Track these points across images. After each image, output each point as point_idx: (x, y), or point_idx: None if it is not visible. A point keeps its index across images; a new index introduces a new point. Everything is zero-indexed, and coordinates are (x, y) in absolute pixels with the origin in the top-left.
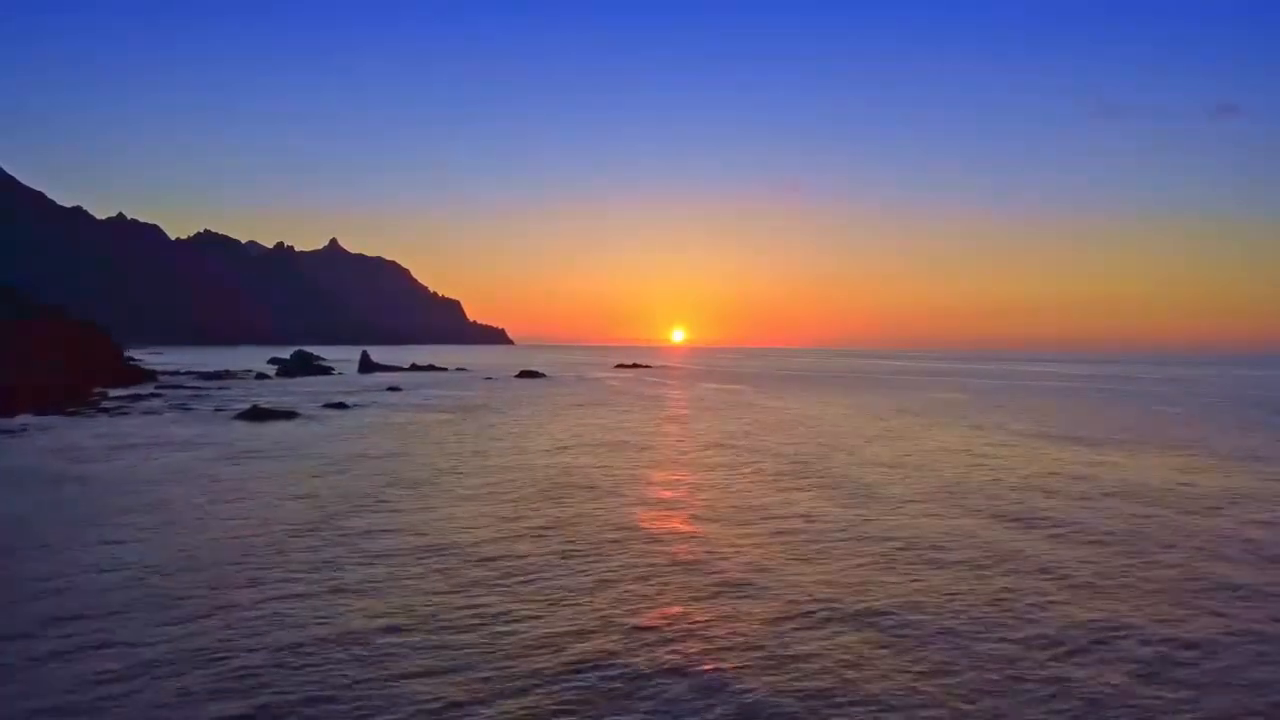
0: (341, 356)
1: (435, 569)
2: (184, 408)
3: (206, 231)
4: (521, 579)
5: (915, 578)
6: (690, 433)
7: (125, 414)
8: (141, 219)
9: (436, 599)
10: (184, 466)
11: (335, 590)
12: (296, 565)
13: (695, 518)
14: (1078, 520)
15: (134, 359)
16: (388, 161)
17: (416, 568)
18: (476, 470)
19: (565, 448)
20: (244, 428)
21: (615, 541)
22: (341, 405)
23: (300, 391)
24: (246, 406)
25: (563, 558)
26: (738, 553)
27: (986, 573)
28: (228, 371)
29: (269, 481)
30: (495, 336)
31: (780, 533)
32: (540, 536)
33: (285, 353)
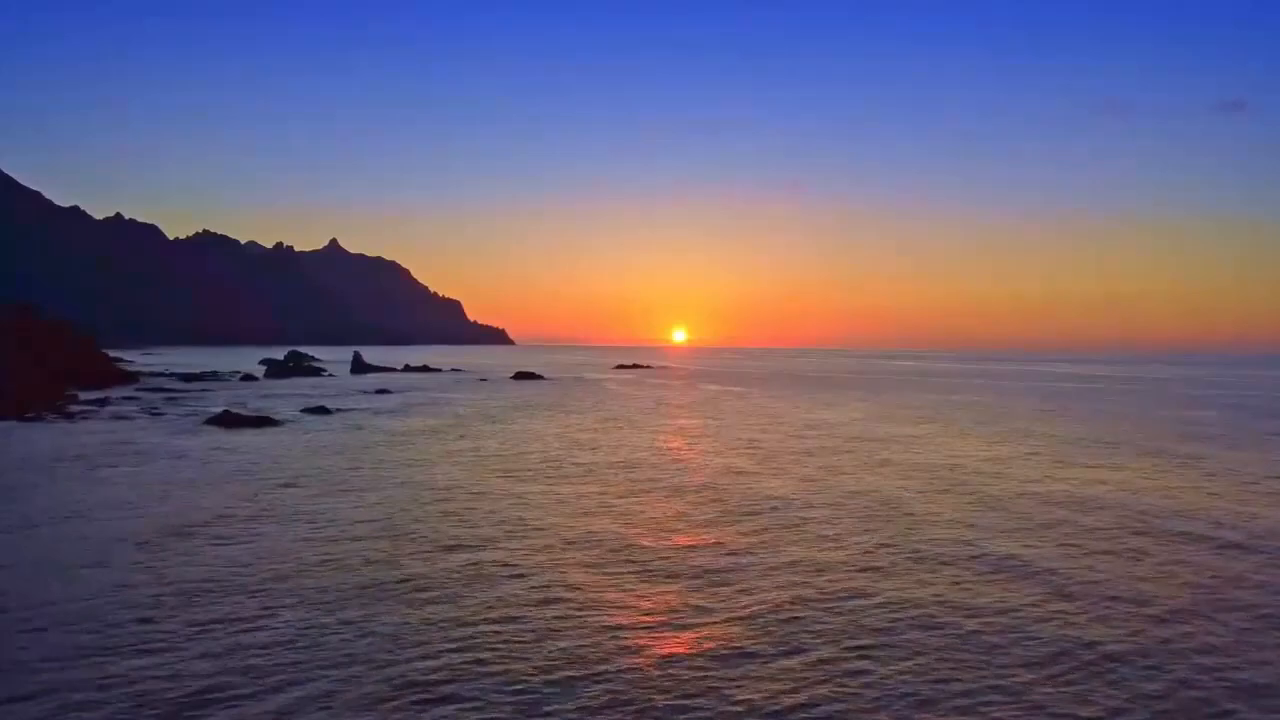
0: (339, 357)
1: (249, 625)
2: (154, 412)
3: (205, 231)
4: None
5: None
6: (688, 444)
7: (88, 418)
8: (139, 219)
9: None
10: (85, 481)
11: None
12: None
13: (651, 561)
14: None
15: (122, 360)
16: (388, 161)
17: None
18: (426, 489)
19: (548, 461)
20: (207, 436)
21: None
22: (323, 410)
23: (283, 394)
24: (220, 411)
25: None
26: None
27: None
28: (213, 373)
29: (153, 501)
30: (496, 337)
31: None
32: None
33: (284, 353)
